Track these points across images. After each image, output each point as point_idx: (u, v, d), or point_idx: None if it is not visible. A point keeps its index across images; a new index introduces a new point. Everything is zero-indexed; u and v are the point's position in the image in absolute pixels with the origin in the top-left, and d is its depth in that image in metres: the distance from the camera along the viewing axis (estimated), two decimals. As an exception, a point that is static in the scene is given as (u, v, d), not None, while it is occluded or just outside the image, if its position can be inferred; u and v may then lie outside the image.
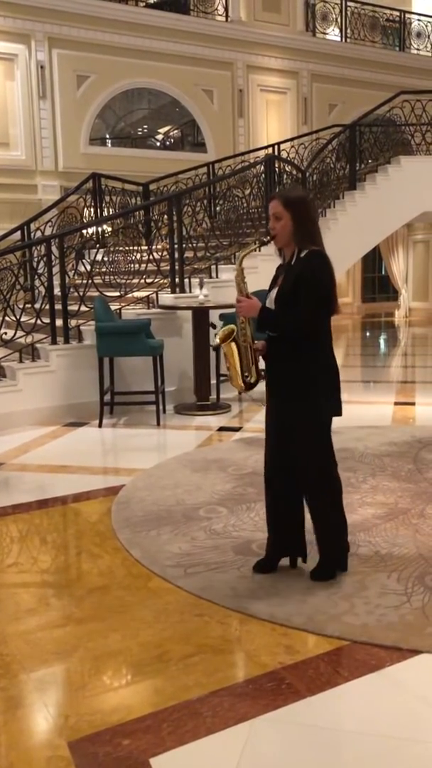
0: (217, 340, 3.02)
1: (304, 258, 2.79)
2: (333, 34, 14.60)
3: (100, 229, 9.39)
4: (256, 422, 5.94)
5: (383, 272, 17.49)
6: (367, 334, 14.07)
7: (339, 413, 2.91)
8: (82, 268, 7.00)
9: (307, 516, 3.02)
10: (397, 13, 15.41)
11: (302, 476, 2.94)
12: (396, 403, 6.71)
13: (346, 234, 9.15)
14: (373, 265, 17.53)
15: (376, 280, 17.98)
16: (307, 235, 2.81)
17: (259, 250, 2.84)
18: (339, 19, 14.56)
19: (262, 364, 3.02)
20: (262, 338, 2.99)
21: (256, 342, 3.00)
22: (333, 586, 2.87)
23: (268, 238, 2.89)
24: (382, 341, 13.07)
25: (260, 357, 3.00)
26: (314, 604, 2.74)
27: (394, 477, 4.31)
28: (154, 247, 7.44)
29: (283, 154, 10.58)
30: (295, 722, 2.09)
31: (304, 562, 3.05)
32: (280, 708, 2.13)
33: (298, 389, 2.83)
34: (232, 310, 6.92)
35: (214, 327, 2.85)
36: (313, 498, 2.96)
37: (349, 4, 14.65)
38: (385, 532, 3.44)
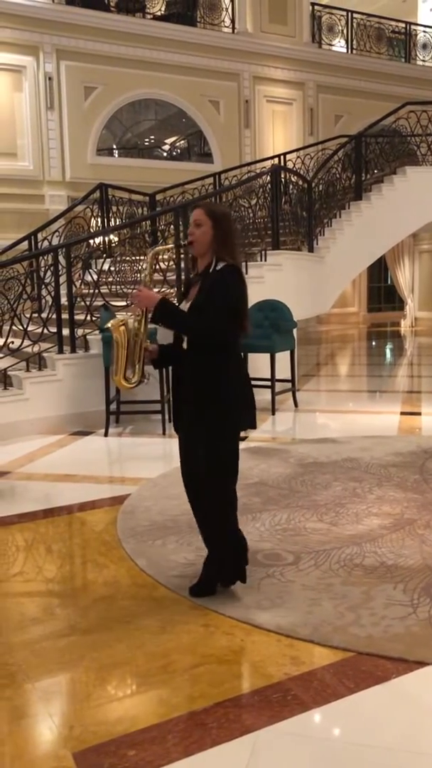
0: (109, 325, 2.92)
1: (220, 271, 2.76)
2: (339, 45, 14.71)
3: (106, 239, 9.43)
4: (261, 432, 5.94)
5: (389, 282, 17.50)
6: (373, 343, 14.06)
7: (253, 426, 2.91)
8: (89, 278, 7.03)
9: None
10: (403, 25, 15.52)
11: (203, 487, 2.87)
12: (402, 413, 6.69)
13: (352, 244, 9.18)
14: (379, 274, 17.55)
15: (382, 290, 17.99)
16: (225, 248, 2.79)
17: (175, 252, 2.86)
18: (345, 31, 14.67)
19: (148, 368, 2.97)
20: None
21: (149, 342, 2.93)
22: (338, 597, 2.86)
23: (186, 241, 2.87)
24: (387, 351, 13.06)
25: (148, 360, 2.92)
26: (320, 615, 2.73)
27: (400, 487, 4.30)
28: (160, 257, 7.47)
29: (289, 165, 10.63)
30: (301, 734, 2.08)
31: (243, 582, 2.95)
32: (286, 720, 2.12)
33: (207, 397, 2.77)
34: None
35: (106, 309, 2.77)
36: (212, 512, 2.89)
37: (355, 15, 14.76)
38: (391, 542, 3.43)
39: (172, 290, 6.93)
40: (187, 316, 2.76)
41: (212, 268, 2.78)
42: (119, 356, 2.89)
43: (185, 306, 2.83)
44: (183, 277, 6.92)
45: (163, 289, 6.92)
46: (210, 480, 2.84)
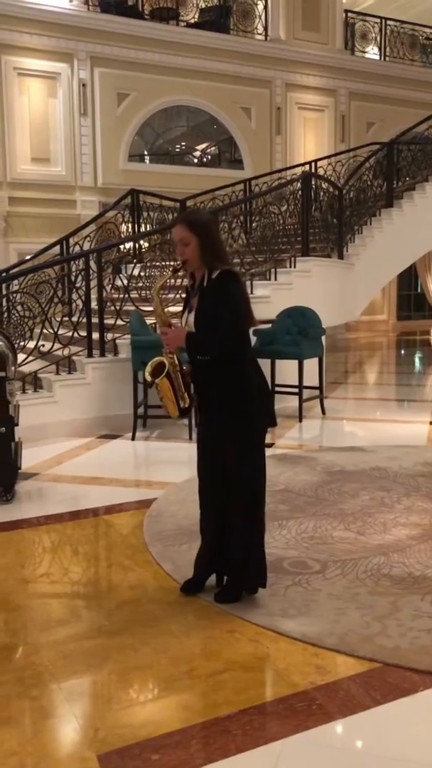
0: (148, 377, 2.97)
1: (217, 279, 2.76)
2: (372, 52, 14.66)
3: (137, 244, 9.49)
4: (288, 439, 5.92)
5: (419, 290, 17.35)
6: (402, 352, 13.92)
7: (274, 423, 2.92)
8: (119, 283, 7.08)
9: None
10: (437, 32, 15.40)
11: (235, 497, 2.88)
12: None
13: (383, 251, 9.12)
14: (409, 282, 17.39)
15: (412, 298, 17.82)
16: (215, 256, 2.79)
17: (174, 280, 2.83)
18: (378, 38, 14.62)
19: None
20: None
21: (184, 367, 2.96)
22: (365, 607, 2.84)
23: (180, 263, 2.85)
24: (417, 359, 12.93)
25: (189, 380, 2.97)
26: (346, 624, 2.71)
27: (429, 497, 4.25)
28: (165, 284, 7.48)
29: (320, 172, 10.62)
30: (327, 744, 2.07)
31: (263, 587, 2.97)
32: (311, 729, 2.11)
33: (232, 407, 2.80)
34: (266, 326, 6.89)
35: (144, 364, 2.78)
36: (245, 520, 2.89)
37: (388, 22, 14.69)
38: (419, 553, 3.39)
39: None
40: (209, 340, 2.77)
41: (207, 278, 2.79)
42: (168, 395, 2.95)
43: (189, 317, 2.85)
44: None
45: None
46: (244, 488, 2.85)
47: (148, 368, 2.97)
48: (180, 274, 2.97)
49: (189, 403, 2.98)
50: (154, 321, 6.75)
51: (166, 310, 3.02)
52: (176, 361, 2.93)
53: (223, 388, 2.80)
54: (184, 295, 3.04)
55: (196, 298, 2.83)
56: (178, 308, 3.46)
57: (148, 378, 2.97)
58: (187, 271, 2.91)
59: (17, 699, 2.29)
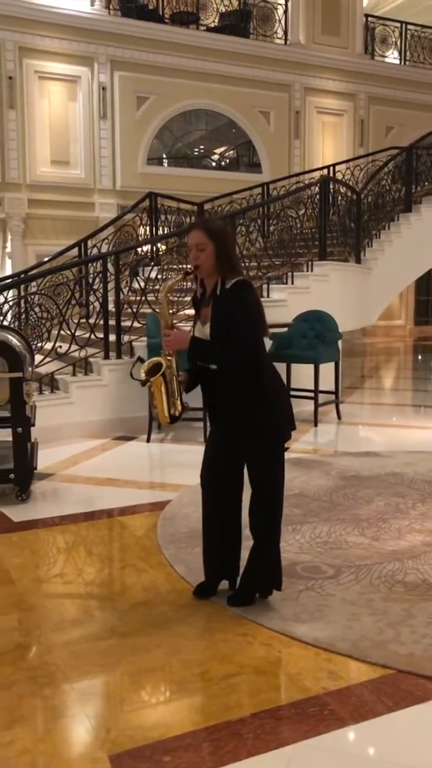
0: (143, 375, 2.90)
1: (232, 288, 2.73)
2: (392, 56, 14.61)
3: (154, 247, 9.52)
4: (303, 443, 5.91)
5: (437, 295, 17.23)
6: (419, 357, 13.85)
7: (294, 427, 2.88)
8: (136, 285, 7.10)
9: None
10: (459, 36, 15.32)
11: (258, 502, 2.87)
12: (448, 429, 6.58)
13: (401, 256, 9.08)
14: (427, 287, 17.27)
15: (430, 303, 17.70)
16: (229, 264, 2.77)
17: (185, 281, 2.81)
18: (398, 42, 14.57)
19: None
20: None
21: (180, 373, 2.92)
22: (378, 613, 2.83)
23: (192, 267, 2.81)
24: (434, 365, 12.84)
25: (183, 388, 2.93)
26: (359, 630, 2.70)
27: (445, 504, 4.22)
28: (173, 289, 7.50)
29: (339, 176, 10.58)
30: (338, 750, 2.06)
31: (278, 590, 2.97)
32: (323, 734, 2.10)
33: (252, 413, 2.78)
34: (282, 330, 6.90)
35: (142, 360, 2.73)
36: (262, 524, 2.88)
37: (409, 27, 14.65)
38: (434, 560, 3.37)
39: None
40: (221, 348, 2.75)
41: (221, 287, 2.77)
42: (160, 398, 2.91)
43: (203, 329, 2.82)
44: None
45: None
46: (263, 493, 2.85)
47: (144, 366, 2.91)
48: (189, 278, 2.95)
49: (180, 411, 2.93)
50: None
51: (171, 312, 2.98)
52: (173, 366, 2.89)
53: (241, 395, 2.78)
54: (190, 304, 3.02)
55: (209, 307, 2.81)
56: (189, 311, 3.46)
57: (143, 376, 2.90)
58: (197, 278, 2.89)
59: (30, 698, 2.31)
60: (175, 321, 2.96)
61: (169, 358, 2.88)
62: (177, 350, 2.85)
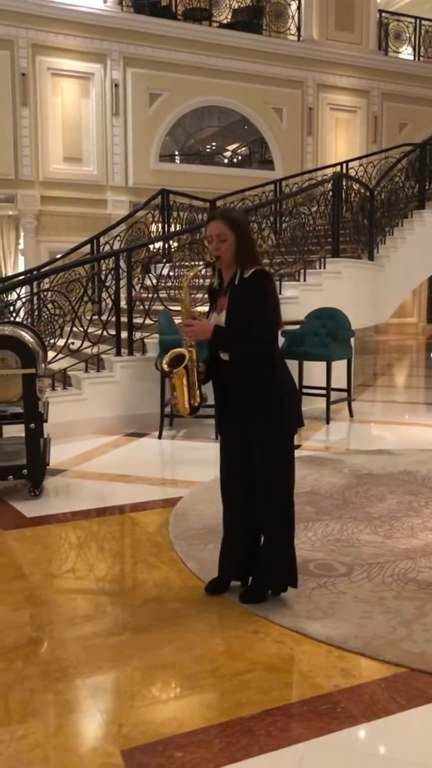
0: (165, 366, 2.91)
1: (250, 278, 2.74)
2: (406, 52, 14.53)
3: (166, 244, 9.53)
4: (315, 441, 5.89)
5: (450, 293, 17.11)
6: (432, 355, 13.78)
7: (302, 423, 2.90)
8: (148, 282, 7.11)
9: None
10: (473, 32, 15.21)
11: (268, 497, 2.86)
12: (461, 427, 6.53)
13: (413, 253, 9.03)
14: (440, 285, 17.18)
15: (443, 301, 17.59)
16: (249, 255, 2.78)
17: (204, 271, 2.81)
18: (412, 38, 14.49)
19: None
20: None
21: (200, 364, 2.93)
22: (391, 611, 2.81)
23: (214, 258, 2.80)
24: (447, 363, 12.77)
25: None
26: (372, 628, 2.69)
27: (458, 502, 4.19)
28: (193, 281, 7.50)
29: (351, 173, 10.54)
30: (350, 748, 2.05)
31: (294, 587, 2.96)
32: (335, 732, 2.09)
33: (265, 406, 2.79)
34: (294, 327, 6.86)
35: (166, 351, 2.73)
36: (276, 519, 2.88)
37: (423, 22, 14.56)
38: (447, 558, 3.35)
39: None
40: (241, 336, 2.75)
41: (239, 276, 2.77)
42: (181, 390, 2.92)
43: (218, 318, 2.83)
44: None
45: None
46: (275, 488, 2.85)
47: (166, 358, 2.93)
48: (209, 270, 2.95)
49: (199, 402, 2.95)
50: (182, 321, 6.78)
51: (193, 305, 2.99)
52: (194, 357, 2.91)
53: (255, 387, 2.79)
54: (207, 296, 3.03)
55: (226, 297, 2.82)
56: (204, 308, 3.45)
57: (165, 368, 2.92)
58: (215, 269, 2.90)
59: (42, 692, 2.32)
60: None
61: (190, 348, 2.89)
62: (199, 340, 2.85)
